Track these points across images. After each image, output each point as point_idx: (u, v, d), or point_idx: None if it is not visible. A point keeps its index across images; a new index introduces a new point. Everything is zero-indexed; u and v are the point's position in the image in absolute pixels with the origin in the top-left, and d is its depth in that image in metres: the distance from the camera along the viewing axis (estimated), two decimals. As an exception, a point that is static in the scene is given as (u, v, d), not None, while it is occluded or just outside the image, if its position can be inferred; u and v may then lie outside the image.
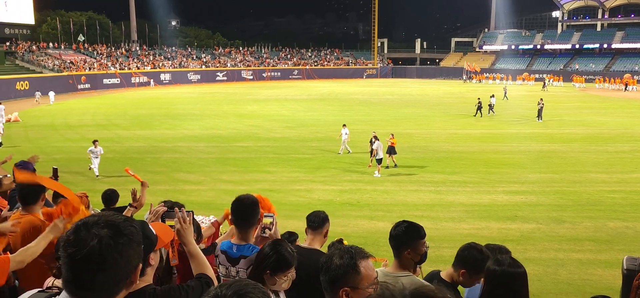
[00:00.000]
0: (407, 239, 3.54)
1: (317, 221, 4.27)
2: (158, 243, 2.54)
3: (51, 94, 45.23)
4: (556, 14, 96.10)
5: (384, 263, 5.29)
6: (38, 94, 45.60)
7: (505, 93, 47.12)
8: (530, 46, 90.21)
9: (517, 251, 11.46)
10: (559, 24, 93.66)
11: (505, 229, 13.05)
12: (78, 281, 1.72)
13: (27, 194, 4.65)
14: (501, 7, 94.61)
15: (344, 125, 23.00)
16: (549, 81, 67.26)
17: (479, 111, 35.60)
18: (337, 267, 2.40)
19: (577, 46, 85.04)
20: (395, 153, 19.96)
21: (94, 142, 18.97)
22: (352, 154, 22.34)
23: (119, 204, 7.30)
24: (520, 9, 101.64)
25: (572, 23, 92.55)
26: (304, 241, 4.36)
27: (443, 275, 3.83)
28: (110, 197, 7.04)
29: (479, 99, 36.94)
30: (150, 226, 2.52)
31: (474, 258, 3.67)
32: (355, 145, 24.08)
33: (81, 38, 70.34)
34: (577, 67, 78.64)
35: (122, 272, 1.79)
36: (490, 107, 36.60)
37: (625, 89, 62.19)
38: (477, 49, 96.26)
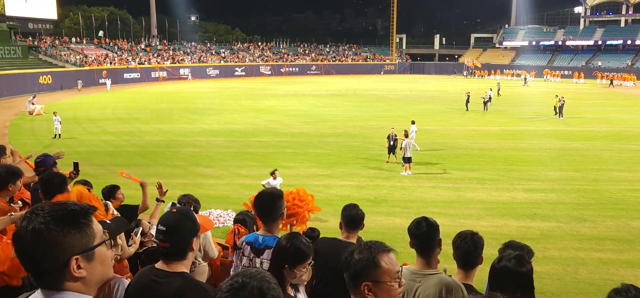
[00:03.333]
0: (436, 236, 3.55)
1: (356, 222, 4.40)
2: (201, 230, 2.88)
3: (108, 81, 53.15)
4: (578, 9, 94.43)
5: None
6: (80, 82, 52.75)
7: (499, 89, 46.47)
8: (552, 42, 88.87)
9: (537, 249, 11.30)
10: (581, 20, 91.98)
11: (525, 227, 12.91)
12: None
13: (50, 187, 4.71)
14: (522, 3, 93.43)
15: (413, 122, 22.67)
16: (529, 77, 67.78)
17: (485, 105, 36.27)
18: (356, 262, 2.39)
19: (599, 42, 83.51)
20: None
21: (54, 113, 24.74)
22: (370, 151, 22.29)
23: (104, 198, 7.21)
24: (542, 4, 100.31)
25: (595, 19, 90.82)
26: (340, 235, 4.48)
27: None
28: (109, 192, 6.89)
29: (467, 92, 37.86)
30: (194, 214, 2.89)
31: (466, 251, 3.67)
32: (373, 141, 24.02)
33: (101, 34, 71.36)
34: (599, 63, 77.25)
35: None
36: (485, 103, 36.52)
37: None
38: (497, 45, 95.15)
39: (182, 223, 2.78)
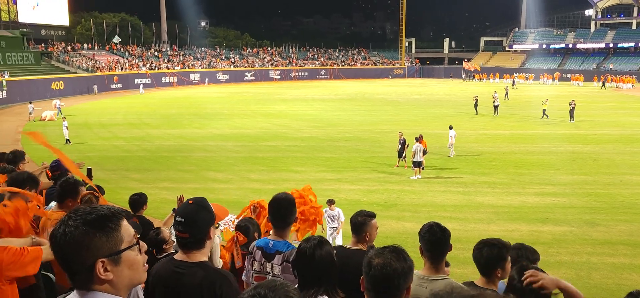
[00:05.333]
0: (449, 242, 3.54)
1: (355, 226, 4.33)
2: (216, 219, 3.03)
3: (141, 85, 55.69)
4: (589, 12, 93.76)
5: None
6: (95, 87, 55.33)
7: (506, 93, 46.41)
8: (562, 45, 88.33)
9: (549, 254, 11.27)
10: (592, 23, 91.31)
11: (537, 232, 12.83)
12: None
13: (65, 191, 4.81)
14: (532, 6, 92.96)
15: (451, 126, 22.61)
16: (518, 80, 68.60)
17: (495, 108, 36.35)
18: (403, 269, 2.43)
19: (611, 45, 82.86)
20: (426, 153, 19.73)
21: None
22: (379, 155, 22.26)
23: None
24: (552, 7, 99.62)
25: (606, 21, 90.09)
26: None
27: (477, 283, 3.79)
28: (136, 201, 6.92)
29: (475, 96, 38.36)
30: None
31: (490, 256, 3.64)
32: (383, 145, 23.99)
33: (116, 39, 72.00)
34: (611, 66, 76.64)
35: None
36: (496, 107, 36.54)
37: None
38: (507, 49, 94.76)
39: (199, 213, 2.91)
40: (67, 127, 25.58)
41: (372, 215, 4.38)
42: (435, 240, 3.53)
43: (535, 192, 16.35)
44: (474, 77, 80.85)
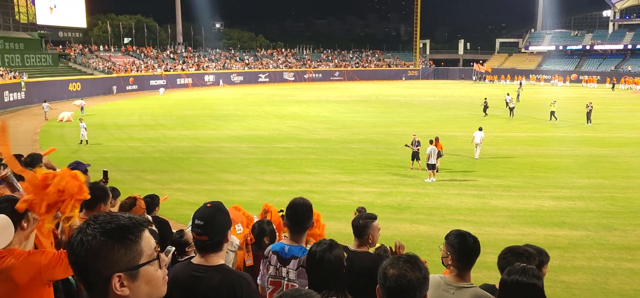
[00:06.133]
0: (479, 252, 3.50)
1: (357, 229, 4.34)
2: (232, 223, 3.09)
3: (161, 88, 58.08)
4: (607, 13, 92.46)
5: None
6: (114, 88, 56.76)
7: (518, 95, 45.91)
8: (579, 47, 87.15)
9: (565, 259, 11.14)
10: (610, 24, 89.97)
11: (552, 236, 12.69)
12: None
13: (96, 196, 4.70)
14: (548, 7, 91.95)
15: (480, 128, 22.48)
16: (527, 82, 68.79)
17: (511, 111, 36.15)
18: (417, 279, 2.39)
19: (629, 46, 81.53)
20: (441, 156, 19.66)
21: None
22: (393, 157, 22.19)
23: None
24: (569, 8, 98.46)
25: (625, 22, 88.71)
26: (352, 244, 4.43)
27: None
28: (149, 204, 6.97)
29: (485, 98, 38.70)
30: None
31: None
32: (397, 147, 23.91)
33: (127, 40, 72.91)
34: (629, 68, 75.49)
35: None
36: (511, 109, 36.37)
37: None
38: (523, 50, 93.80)
39: (217, 216, 2.95)
40: (85, 128, 25.77)
41: (374, 217, 4.41)
42: (467, 249, 3.48)
43: (551, 196, 16.17)
44: (484, 79, 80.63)
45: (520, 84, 62.93)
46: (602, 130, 29.98)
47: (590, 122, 31.86)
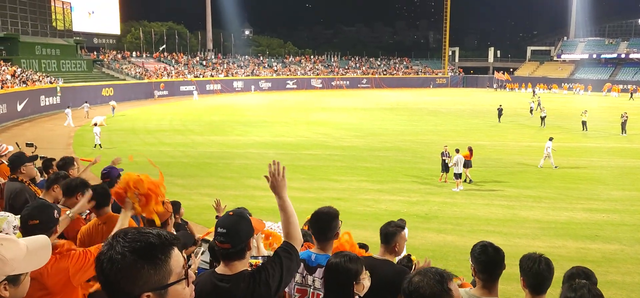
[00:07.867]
0: (502, 262, 3.44)
1: (383, 237, 4.31)
2: (255, 232, 3.13)
3: (195, 93, 59.81)
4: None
5: (461, 281, 5.12)
6: (157, 93, 59.68)
7: (539, 104, 41.99)
8: (614, 55, 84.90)
9: (598, 273, 10.74)
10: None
11: (585, 249, 12.36)
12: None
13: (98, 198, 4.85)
14: (582, 15, 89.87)
15: (551, 138, 22.23)
16: (539, 90, 68.27)
17: (542, 120, 35.91)
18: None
19: (667, 54, 79.22)
20: (470, 166, 19.43)
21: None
22: (420, 166, 21.99)
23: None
24: (603, 16, 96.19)
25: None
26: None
27: None
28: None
29: (500, 105, 39.52)
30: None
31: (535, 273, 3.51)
32: (424, 156, 23.69)
33: (161, 47, 74.44)
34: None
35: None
36: (542, 118, 35.92)
37: None
38: (555, 58, 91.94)
39: (240, 224, 2.96)
40: (98, 134, 26.39)
41: (403, 226, 4.37)
42: (488, 260, 3.42)
43: (584, 208, 15.77)
44: (505, 87, 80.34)
45: (534, 92, 62.25)
46: (637, 141, 29.11)
47: (625, 133, 30.99)
